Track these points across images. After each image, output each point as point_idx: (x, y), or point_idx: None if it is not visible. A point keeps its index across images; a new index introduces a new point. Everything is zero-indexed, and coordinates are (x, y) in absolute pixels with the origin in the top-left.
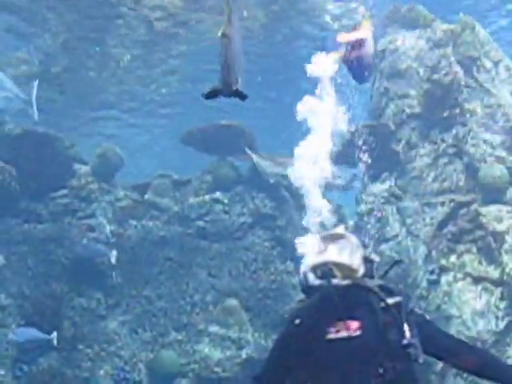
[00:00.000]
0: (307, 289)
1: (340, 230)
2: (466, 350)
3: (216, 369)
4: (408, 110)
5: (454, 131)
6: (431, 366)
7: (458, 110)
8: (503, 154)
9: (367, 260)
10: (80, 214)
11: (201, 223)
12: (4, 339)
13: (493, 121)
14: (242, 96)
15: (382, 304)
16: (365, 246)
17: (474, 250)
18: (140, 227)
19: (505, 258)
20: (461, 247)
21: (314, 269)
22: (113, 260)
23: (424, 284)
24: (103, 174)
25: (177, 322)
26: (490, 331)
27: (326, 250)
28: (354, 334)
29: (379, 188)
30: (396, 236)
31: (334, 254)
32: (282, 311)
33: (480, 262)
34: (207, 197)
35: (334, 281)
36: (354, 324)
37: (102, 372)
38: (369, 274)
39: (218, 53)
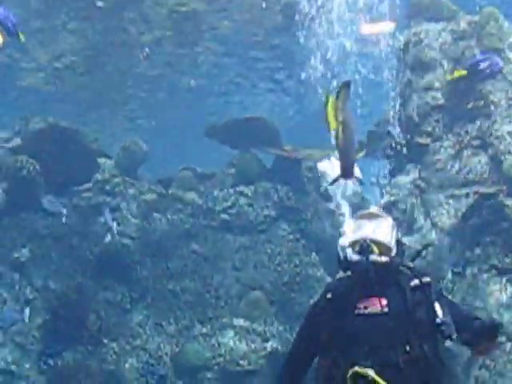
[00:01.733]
0: (345, 263)
1: (375, 210)
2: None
3: (241, 362)
4: (432, 102)
5: (477, 123)
6: (456, 358)
7: (481, 102)
8: None
9: (399, 243)
10: (104, 208)
11: (225, 216)
12: (29, 333)
13: None
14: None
15: (415, 282)
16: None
17: (499, 241)
18: (165, 220)
19: None
20: (486, 239)
21: (353, 244)
22: (63, 219)
23: (449, 276)
24: (127, 167)
25: (202, 315)
26: None
27: (364, 227)
28: (382, 311)
29: (403, 180)
30: (420, 228)
31: (372, 231)
32: (307, 304)
33: (505, 254)
34: (231, 190)
35: (372, 256)
36: (383, 301)
37: (127, 365)
38: (400, 256)
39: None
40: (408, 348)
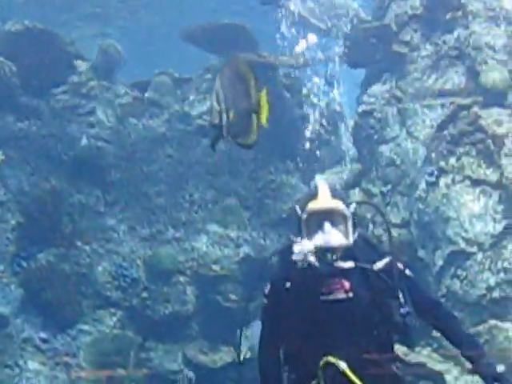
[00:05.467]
0: (309, 269)
1: (325, 189)
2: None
3: (214, 266)
4: (410, 12)
5: (455, 33)
6: (428, 268)
7: (460, 13)
8: (505, 57)
9: (354, 215)
10: (80, 111)
11: (201, 121)
12: (3, 235)
13: (495, 24)
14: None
15: (377, 266)
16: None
17: (474, 152)
18: (140, 125)
19: (504, 161)
20: (460, 150)
21: (315, 251)
22: None
23: (423, 186)
24: (104, 70)
25: (175, 220)
26: (487, 234)
27: (320, 232)
28: (347, 296)
29: (380, 89)
30: (396, 137)
31: (329, 237)
32: (281, 211)
33: (479, 165)
34: (208, 95)
35: (335, 263)
36: (346, 284)
37: (100, 269)
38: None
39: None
40: (375, 333)
